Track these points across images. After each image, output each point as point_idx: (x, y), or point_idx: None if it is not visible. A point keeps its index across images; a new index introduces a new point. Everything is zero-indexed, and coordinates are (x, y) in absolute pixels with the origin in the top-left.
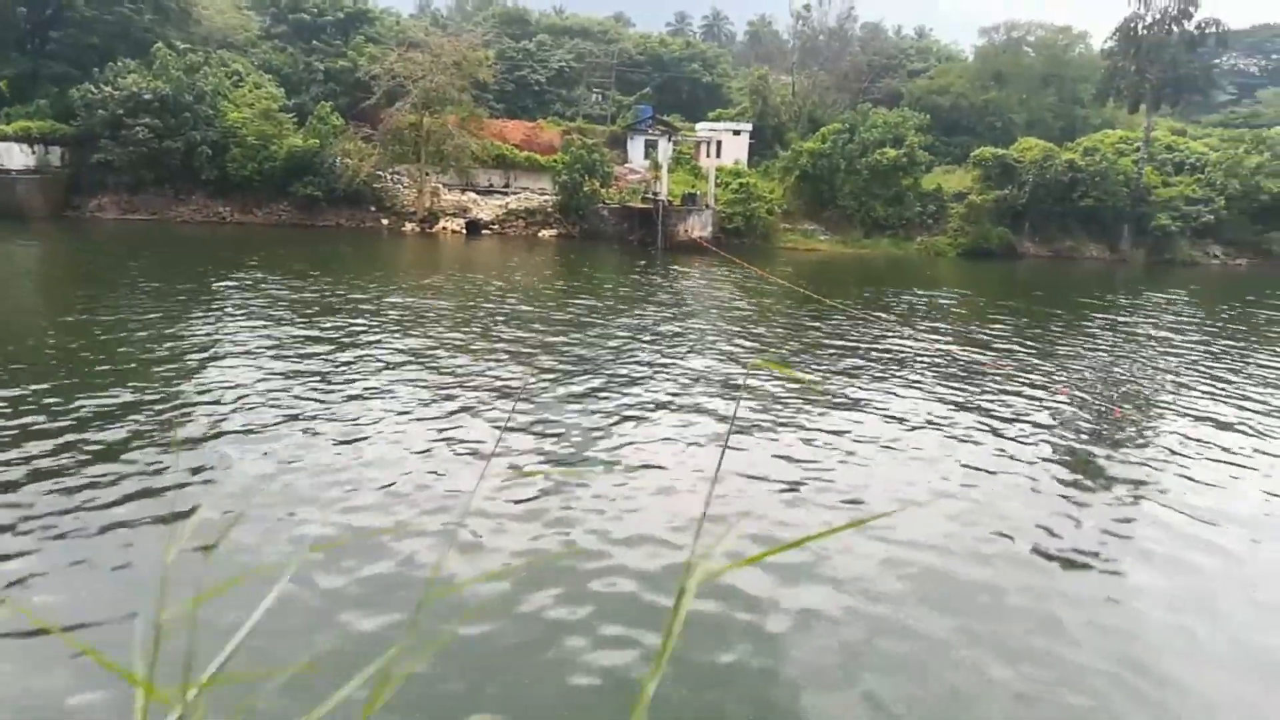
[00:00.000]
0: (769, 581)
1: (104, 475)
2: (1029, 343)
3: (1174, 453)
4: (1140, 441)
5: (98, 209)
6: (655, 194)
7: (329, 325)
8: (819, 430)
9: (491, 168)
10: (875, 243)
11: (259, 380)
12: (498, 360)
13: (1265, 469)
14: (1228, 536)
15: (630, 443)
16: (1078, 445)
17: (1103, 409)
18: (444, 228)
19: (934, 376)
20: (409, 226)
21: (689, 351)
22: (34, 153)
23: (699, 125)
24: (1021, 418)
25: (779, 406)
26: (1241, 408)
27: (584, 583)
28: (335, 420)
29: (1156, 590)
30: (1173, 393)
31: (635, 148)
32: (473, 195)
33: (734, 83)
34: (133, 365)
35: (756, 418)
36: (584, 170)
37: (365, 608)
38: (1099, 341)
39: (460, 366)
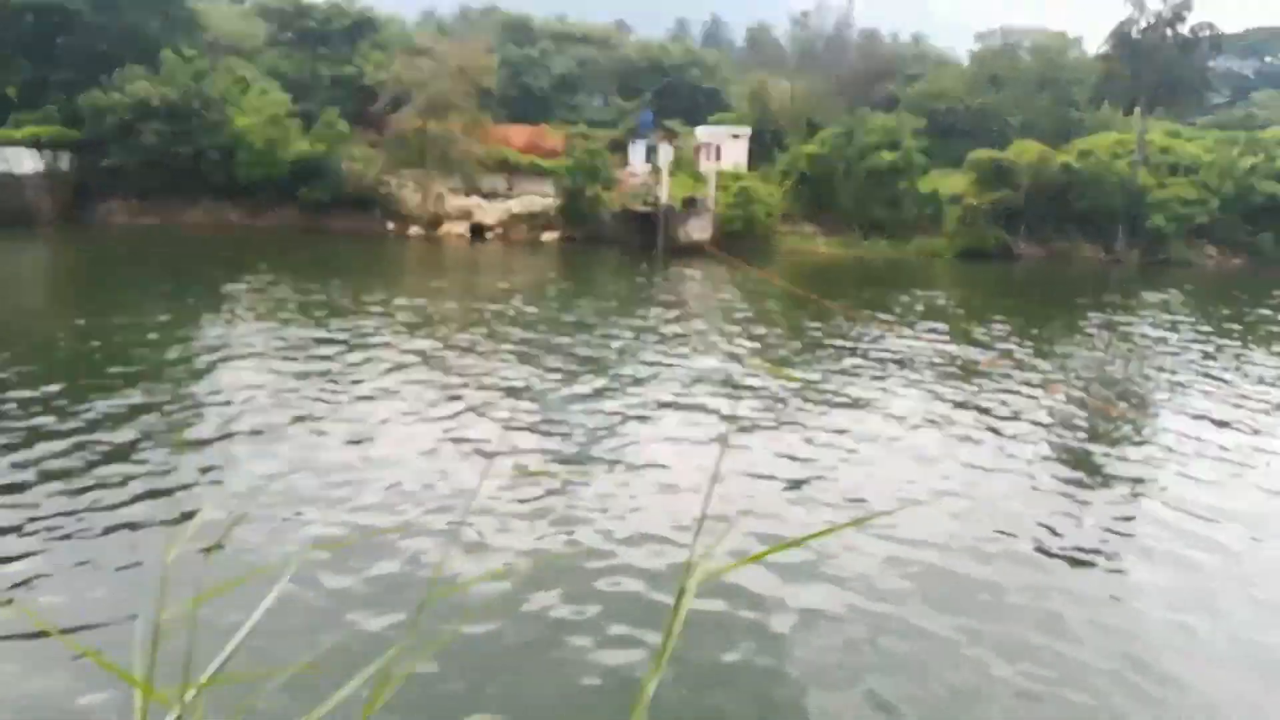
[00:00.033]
0: (772, 580)
1: (112, 476)
2: (1026, 342)
3: (1172, 451)
4: (1138, 440)
5: (107, 213)
6: (656, 197)
7: (337, 327)
8: (820, 429)
9: (495, 172)
10: (873, 244)
11: (268, 381)
12: (503, 361)
13: (1263, 466)
14: (1227, 534)
15: (633, 442)
16: (1077, 444)
17: (1101, 407)
18: (448, 232)
19: (933, 376)
20: (414, 230)
21: (691, 352)
22: (43, 158)
23: (699, 129)
24: (1020, 416)
25: (780, 406)
26: (1238, 406)
27: (587, 582)
28: (343, 421)
29: (1157, 588)
30: (1170, 391)
31: (636, 152)
32: (476, 199)
33: (734, 88)
34: (143, 367)
35: (758, 417)
36: (587, 174)
37: (368, 607)
38: (1096, 340)
39: (466, 367)
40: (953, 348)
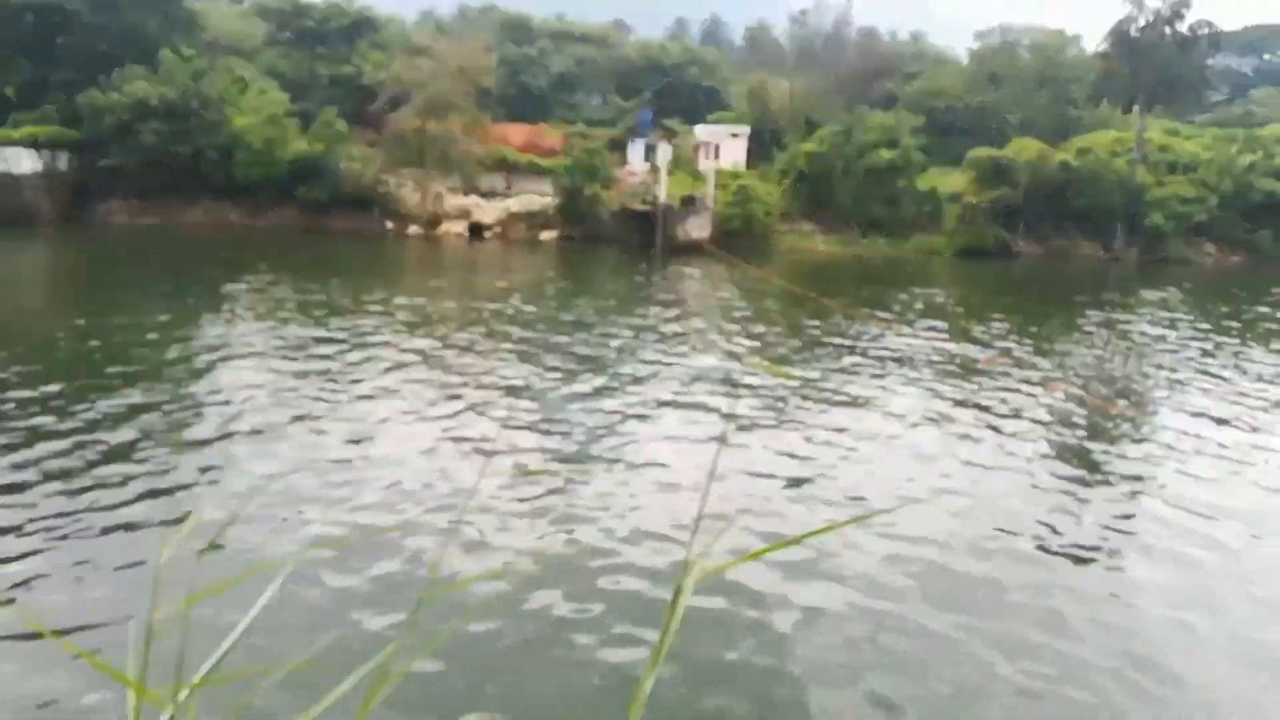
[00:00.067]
0: (772, 578)
1: (112, 476)
2: (1025, 340)
3: (1171, 448)
4: (1138, 437)
5: (107, 213)
6: (655, 196)
7: (336, 326)
8: (819, 428)
9: (493, 171)
10: (872, 243)
11: (267, 381)
12: (502, 359)
13: (1262, 464)
14: (1226, 531)
15: (633, 440)
16: (1076, 442)
17: (1100, 405)
18: (447, 231)
19: (932, 374)
20: (412, 230)
21: (690, 350)
22: (42, 158)
23: (698, 128)
24: (1020, 414)
25: (780, 404)
26: (1237, 403)
27: (587, 580)
28: (342, 420)
29: (1156, 585)
30: (1169, 389)
31: (635, 151)
32: (475, 199)
33: (733, 87)
34: (142, 367)
35: (757, 415)
36: (586, 173)
37: (367, 605)
38: (1095, 338)
39: (465, 366)
40: (952, 346)
